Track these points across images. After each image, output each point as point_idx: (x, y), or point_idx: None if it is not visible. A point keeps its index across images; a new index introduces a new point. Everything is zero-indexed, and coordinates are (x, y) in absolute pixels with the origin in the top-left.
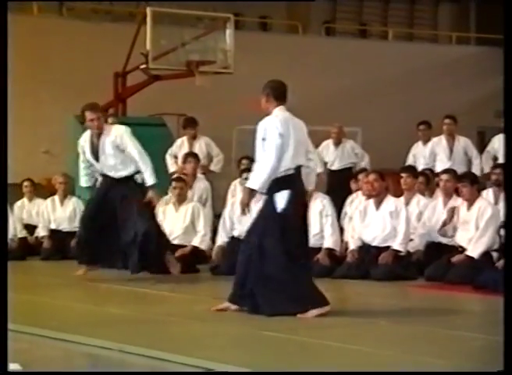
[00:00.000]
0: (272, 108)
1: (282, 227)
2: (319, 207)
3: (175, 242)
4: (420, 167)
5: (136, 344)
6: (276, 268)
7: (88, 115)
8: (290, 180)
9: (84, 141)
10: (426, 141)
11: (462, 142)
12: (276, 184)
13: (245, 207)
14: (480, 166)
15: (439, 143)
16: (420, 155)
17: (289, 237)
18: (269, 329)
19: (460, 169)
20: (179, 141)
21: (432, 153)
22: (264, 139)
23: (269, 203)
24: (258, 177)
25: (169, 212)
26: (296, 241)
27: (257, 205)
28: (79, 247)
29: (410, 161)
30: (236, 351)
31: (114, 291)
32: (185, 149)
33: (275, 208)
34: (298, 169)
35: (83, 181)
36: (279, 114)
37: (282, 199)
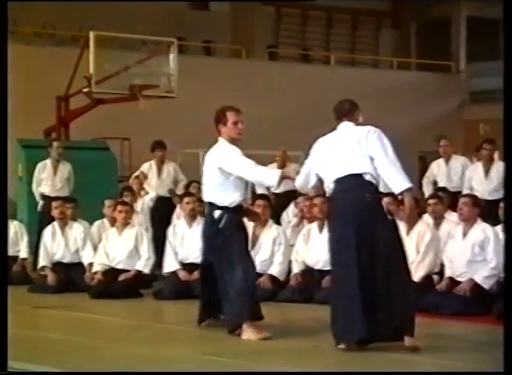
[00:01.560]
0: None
1: None
2: (273, 234)
3: (118, 267)
4: None
5: (79, 368)
6: None
7: (234, 116)
8: None
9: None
10: None
11: None
12: None
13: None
14: None
15: None
16: None
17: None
18: (212, 353)
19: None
20: (146, 165)
21: None
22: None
23: None
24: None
25: (112, 236)
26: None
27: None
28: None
29: None
30: None
31: (57, 317)
32: (153, 173)
33: None
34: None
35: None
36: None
37: None
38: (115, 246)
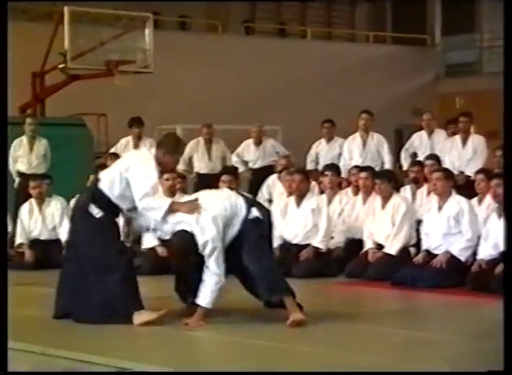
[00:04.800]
0: None
1: None
2: None
3: None
4: (321, 165)
5: (58, 346)
6: None
7: None
8: None
9: None
10: (330, 138)
11: (375, 139)
12: None
13: None
14: (391, 163)
15: (354, 140)
16: (323, 153)
17: None
18: (187, 328)
19: (372, 165)
20: (123, 141)
21: (349, 151)
22: None
23: None
24: None
25: None
26: None
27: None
28: None
29: (312, 158)
30: (156, 351)
31: (34, 294)
32: (130, 149)
33: None
34: None
35: None
36: None
37: None
38: None
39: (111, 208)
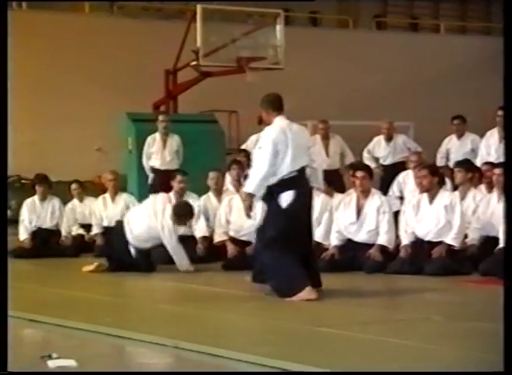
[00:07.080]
0: (272, 119)
1: (287, 222)
2: (377, 203)
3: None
4: (452, 161)
5: (191, 340)
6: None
7: None
8: (294, 181)
9: None
10: (460, 135)
11: None
12: (281, 185)
13: (247, 209)
14: None
15: (492, 136)
16: (454, 150)
17: (294, 229)
18: (322, 324)
19: None
20: (254, 137)
21: (486, 147)
22: (260, 148)
23: (275, 201)
24: (252, 182)
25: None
26: (300, 232)
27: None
28: None
29: (442, 154)
30: (291, 347)
31: (168, 288)
32: None
33: (280, 206)
34: (301, 170)
35: None
36: (276, 124)
37: (287, 197)
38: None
39: None
